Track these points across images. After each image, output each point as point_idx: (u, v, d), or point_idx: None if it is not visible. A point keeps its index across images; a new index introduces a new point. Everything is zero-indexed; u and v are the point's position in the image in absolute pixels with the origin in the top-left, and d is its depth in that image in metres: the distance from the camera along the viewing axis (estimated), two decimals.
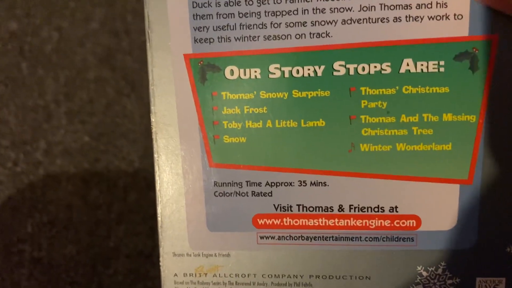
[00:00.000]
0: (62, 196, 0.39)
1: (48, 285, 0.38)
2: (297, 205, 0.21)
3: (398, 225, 0.20)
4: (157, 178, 0.21)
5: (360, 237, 0.21)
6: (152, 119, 0.19)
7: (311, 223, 0.21)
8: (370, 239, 0.21)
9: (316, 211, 0.21)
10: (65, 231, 0.39)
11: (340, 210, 0.20)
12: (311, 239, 0.21)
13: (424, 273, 0.20)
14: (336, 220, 0.20)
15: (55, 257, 0.39)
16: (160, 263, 0.22)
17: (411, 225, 0.20)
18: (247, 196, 0.21)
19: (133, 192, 0.38)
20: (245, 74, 0.20)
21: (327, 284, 0.21)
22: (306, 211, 0.21)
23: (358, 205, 0.20)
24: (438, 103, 0.19)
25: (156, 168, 0.20)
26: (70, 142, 0.40)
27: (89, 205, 0.38)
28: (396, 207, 0.20)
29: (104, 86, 0.40)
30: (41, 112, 0.41)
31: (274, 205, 0.21)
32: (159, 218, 0.21)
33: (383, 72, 0.19)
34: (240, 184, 0.21)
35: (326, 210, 0.20)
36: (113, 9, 0.42)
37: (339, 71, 0.19)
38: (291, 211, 0.21)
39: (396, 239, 0.20)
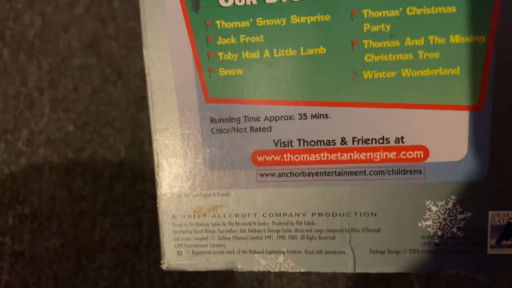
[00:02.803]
0: (45, 187, 0.38)
1: (30, 279, 0.37)
2: (297, 139, 0.20)
3: (404, 157, 0.20)
4: (151, 116, 0.20)
5: (365, 171, 0.20)
6: (144, 53, 0.19)
7: (312, 158, 0.20)
8: (375, 172, 0.20)
9: (317, 145, 0.20)
10: (48, 223, 0.37)
11: (343, 143, 0.20)
12: (313, 175, 0.20)
13: (434, 208, 0.20)
14: (339, 154, 0.20)
15: (37, 250, 0.38)
16: (157, 205, 0.21)
17: (418, 156, 0.20)
18: (246, 132, 0.20)
19: (119, 183, 0.37)
20: (240, 0, 0.19)
21: (330, 222, 0.20)
22: (307, 145, 0.20)
23: (362, 137, 0.20)
24: (445, 24, 0.18)
25: (150, 106, 0.20)
26: (54, 131, 0.38)
27: (73, 196, 0.37)
28: (402, 137, 0.20)
29: (89, 73, 0.39)
30: (23, 100, 0.39)
31: (273, 140, 0.20)
32: (154, 157, 0.21)
33: None
34: (237, 119, 0.20)
35: (328, 143, 0.20)
36: None
37: None
38: (292, 146, 0.20)
39: (403, 172, 0.20)
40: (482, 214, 0.20)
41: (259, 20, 0.19)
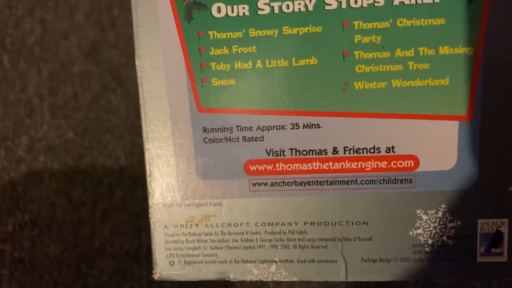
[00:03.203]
0: (45, 194, 0.38)
1: (30, 286, 0.37)
2: (289, 149, 0.20)
3: (395, 166, 0.20)
4: (143, 125, 0.21)
5: (356, 180, 0.21)
6: (137, 63, 0.18)
7: (304, 167, 0.20)
8: (366, 182, 0.20)
9: (309, 154, 0.20)
10: (48, 230, 0.37)
11: (334, 152, 0.20)
12: (305, 184, 0.21)
13: (424, 217, 0.21)
14: (331, 163, 0.20)
15: (37, 257, 0.38)
16: (149, 215, 0.22)
17: (409, 165, 0.20)
18: (238, 141, 0.21)
19: (119, 190, 0.37)
20: (232, 11, 0.19)
21: (323, 231, 0.21)
22: (299, 155, 0.20)
23: (353, 146, 0.20)
24: (434, 36, 0.19)
25: (143, 115, 0.19)
26: (54, 138, 0.39)
27: (73, 203, 0.37)
28: (392, 147, 0.20)
29: (89, 80, 0.39)
30: (23, 107, 0.40)
31: (266, 150, 0.20)
32: (147, 167, 0.21)
33: (376, 4, 0.19)
34: (230, 129, 0.20)
35: (320, 153, 0.20)
36: (99, 1, 0.40)
37: (331, 4, 0.19)
38: (284, 155, 0.20)
39: (394, 181, 0.20)
40: (471, 223, 0.21)
41: (251, 31, 0.20)
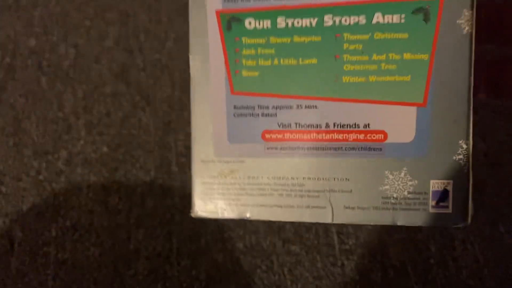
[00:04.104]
0: (84, 202, 0.43)
1: (73, 285, 0.43)
2: (295, 123, 0.27)
3: (370, 138, 0.26)
4: (192, 104, 0.28)
5: (341, 147, 0.27)
6: (190, 57, 0.27)
7: (305, 137, 0.27)
8: (349, 149, 0.27)
9: (309, 128, 0.27)
10: (88, 234, 0.43)
11: (326, 127, 0.27)
12: (305, 149, 0.27)
13: (390, 176, 0.26)
14: (324, 134, 0.27)
15: (78, 259, 0.43)
16: (192, 168, 0.28)
17: (380, 138, 0.26)
18: (258, 116, 0.27)
19: (150, 199, 0.42)
20: (259, 24, 0.26)
21: (316, 184, 0.27)
22: (301, 127, 0.27)
23: (340, 122, 0.27)
24: (400, 45, 0.26)
25: (192, 96, 0.27)
26: (90, 152, 0.43)
27: (109, 211, 0.43)
28: (368, 124, 0.26)
29: (120, 100, 0.43)
30: (61, 124, 0.45)
31: (278, 123, 0.27)
32: (192, 133, 0.28)
33: (360, 23, 0.26)
34: (253, 107, 0.27)
35: (316, 127, 0.27)
36: (126, 28, 0.45)
37: (328, 22, 0.26)
38: (291, 128, 0.27)
39: (369, 149, 0.26)
40: (425, 182, 0.26)
41: (272, 38, 0.27)
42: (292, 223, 0.46)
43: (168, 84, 0.47)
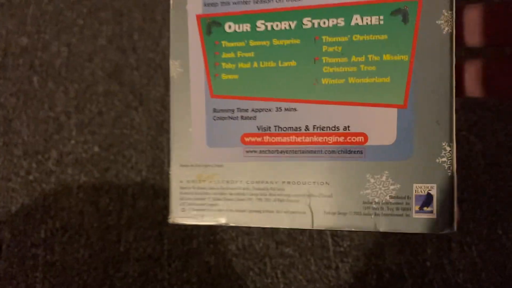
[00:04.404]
0: (74, 203, 0.43)
1: (61, 287, 0.41)
2: (274, 126, 0.27)
3: (350, 141, 0.26)
4: (171, 107, 0.28)
5: (321, 150, 0.26)
6: (171, 62, 0.27)
7: (284, 140, 0.27)
8: (329, 152, 0.26)
9: (288, 130, 0.27)
10: (77, 236, 0.42)
11: (306, 129, 0.26)
12: (284, 152, 0.27)
13: (372, 180, 0.26)
14: (303, 137, 0.26)
15: (68, 261, 0.43)
16: (170, 172, 0.28)
17: (360, 140, 0.26)
18: (237, 119, 0.27)
19: (142, 200, 0.41)
20: (239, 28, 0.27)
21: (296, 189, 0.27)
22: (281, 130, 0.27)
23: (320, 125, 0.26)
24: (379, 47, 0.25)
25: (172, 99, 0.27)
26: (81, 152, 0.43)
27: (100, 212, 0.42)
28: (348, 126, 0.26)
29: (113, 99, 0.42)
30: (52, 124, 0.44)
31: (257, 126, 0.27)
32: (171, 136, 0.28)
33: (338, 25, 0.26)
34: (232, 110, 0.27)
35: (295, 129, 0.26)
36: (120, 26, 0.44)
37: (307, 24, 0.26)
38: (270, 130, 0.27)
39: (349, 152, 0.26)
40: (408, 186, 0.26)
41: (251, 41, 0.27)
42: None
43: (162, 84, 0.46)
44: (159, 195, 0.45)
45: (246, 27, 0.26)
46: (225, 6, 0.27)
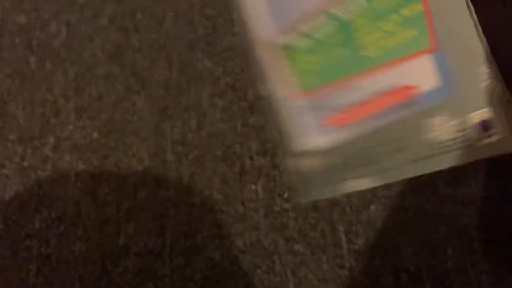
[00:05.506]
0: (71, 192, 0.40)
1: (56, 281, 0.39)
2: (348, 105, 0.30)
3: (403, 96, 0.27)
4: None
5: (385, 113, 0.28)
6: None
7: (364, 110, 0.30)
8: (391, 112, 0.28)
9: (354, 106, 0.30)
10: (74, 228, 0.40)
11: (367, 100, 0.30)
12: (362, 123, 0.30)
13: (433, 123, 0.26)
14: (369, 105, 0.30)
15: (63, 254, 0.40)
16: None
17: (412, 93, 0.27)
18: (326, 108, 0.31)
19: (143, 190, 0.38)
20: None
21: (382, 149, 0.29)
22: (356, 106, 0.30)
23: (375, 91, 0.28)
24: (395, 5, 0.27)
25: None
26: (79, 138, 0.40)
27: (98, 202, 0.39)
28: (397, 85, 0.27)
29: (114, 82, 0.40)
30: (49, 107, 0.41)
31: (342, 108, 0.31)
32: None
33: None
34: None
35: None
36: (122, 5, 0.41)
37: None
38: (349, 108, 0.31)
39: (406, 106, 0.27)
40: (464, 118, 0.26)
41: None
42: (295, 220, 0.43)
43: (165, 67, 0.44)
44: (161, 185, 0.43)
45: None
46: None
